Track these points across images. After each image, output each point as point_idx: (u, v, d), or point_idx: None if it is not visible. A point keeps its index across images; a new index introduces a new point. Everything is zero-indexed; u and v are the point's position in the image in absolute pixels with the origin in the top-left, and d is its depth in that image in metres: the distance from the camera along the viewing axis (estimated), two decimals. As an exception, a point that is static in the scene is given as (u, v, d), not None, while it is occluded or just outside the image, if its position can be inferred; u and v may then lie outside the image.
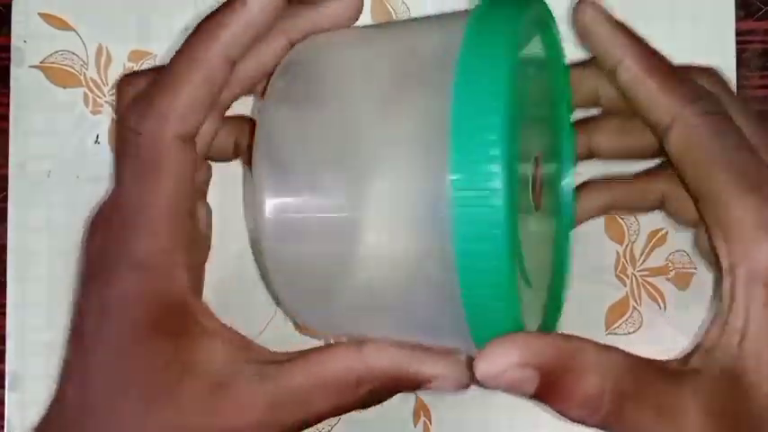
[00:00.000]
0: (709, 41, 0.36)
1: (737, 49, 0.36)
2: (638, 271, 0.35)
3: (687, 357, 0.26)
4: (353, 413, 0.35)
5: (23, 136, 0.36)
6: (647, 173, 0.32)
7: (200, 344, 0.26)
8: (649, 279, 0.35)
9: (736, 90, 0.35)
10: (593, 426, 0.24)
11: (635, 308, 0.35)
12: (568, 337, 0.24)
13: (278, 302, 0.30)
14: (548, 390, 0.24)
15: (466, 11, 0.27)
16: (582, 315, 0.35)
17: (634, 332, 0.35)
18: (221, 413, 0.25)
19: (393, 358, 0.26)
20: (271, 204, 0.26)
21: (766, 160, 0.27)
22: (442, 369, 0.26)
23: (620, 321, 0.35)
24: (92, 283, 0.27)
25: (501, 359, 0.24)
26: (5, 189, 0.36)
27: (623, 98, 0.29)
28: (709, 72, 0.30)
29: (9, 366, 0.35)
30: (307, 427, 0.26)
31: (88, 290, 0.27)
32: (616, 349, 0.25)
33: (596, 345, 0.25)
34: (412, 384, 0.27)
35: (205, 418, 0.25)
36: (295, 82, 0.27)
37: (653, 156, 0.31)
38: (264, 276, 0.27)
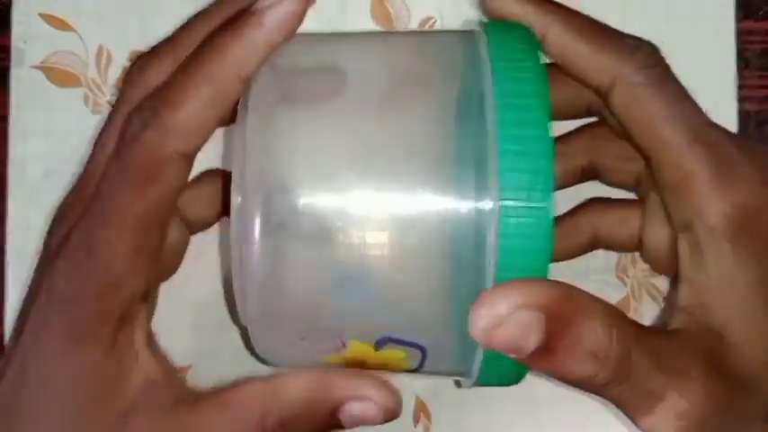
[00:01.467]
0: (709, 41, 0.36)
1: (737, 50, 0.35)
2: (639, 271, 0.35)
3: (665, 320, 0.26)
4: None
5: (23, 136, 0.36)
6: (575, 210, 0.32)
7: (126, 361, 0.25)
8: (650, 279, 0.35)
9: (736, 90, 0.35)
10: (595, 386, 0.23)
11: (636, 308, 0.35)
12: (566, 283, 0.23)
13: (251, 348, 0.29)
14: (553, 340, 0.22)
15: (471, 31, 0.27)
16: (582, 315, 0.35)
17: (634, 332, 0.35)
18: None
19: (305, 383, 0.24)
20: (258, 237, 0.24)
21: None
22: (367, 391, 0.24)
23: (620, 321, 0.35)
24: (47, 271, 0.26)
25: (503, 302, 0.21)
26: (5, 189, 0.36)
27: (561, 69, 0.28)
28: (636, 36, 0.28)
29: (9, 367, 0.35)
30: None
31: (42, 277, 0.26)
32: (615, 306, 0.24)
33: (599, 299, 0.23)
34: (327, 410, 0.24)
35: None
36: (279, 102, 0.26)
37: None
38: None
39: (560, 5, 0.27)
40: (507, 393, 0.28)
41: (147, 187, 0.25)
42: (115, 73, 0.36)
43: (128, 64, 0.36)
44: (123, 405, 0.25)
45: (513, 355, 0.22)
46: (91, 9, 0.36)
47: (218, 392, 0.25)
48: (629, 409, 0.24)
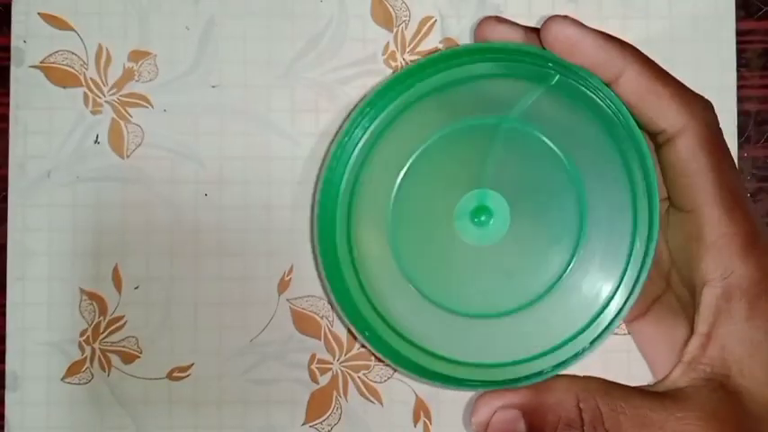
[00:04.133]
0: (709, 41, 0.36)
1: (737, 49, 0.36)
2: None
3: (667, 376, 0.27)
4: (354, 413, 0.35)
5: (23, 136, 0.36)
6: None
7: None
8: (649, 279, 0.35)
9: (736, 90, 0.36)
10: None
11: (635, 308, 0.35)
12: (545, 381, 0.27)
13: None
14: (536, 425, 0.26)
15: None
16: (582, 315, 0.35)
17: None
18: None
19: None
20: None
21: None
22: None
23: (620, 321, 0.35)
24: None
25: (486, 408, 0.27)
26: (5, 189, 0.36)
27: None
28: None
29: (9, 366, 0.35)
30: None
31: None
32: (593, 377, 0.27)
33: (572, 375, 0.27)
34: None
35: None
36: None
37: None
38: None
39: (630, 44, 0.28)
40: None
41: None
42: (115, 73, 0.36)
43: (128, 64, 0.36)
44: None
45: None
46: (91, 9, 0.36)
47: None
48: None
